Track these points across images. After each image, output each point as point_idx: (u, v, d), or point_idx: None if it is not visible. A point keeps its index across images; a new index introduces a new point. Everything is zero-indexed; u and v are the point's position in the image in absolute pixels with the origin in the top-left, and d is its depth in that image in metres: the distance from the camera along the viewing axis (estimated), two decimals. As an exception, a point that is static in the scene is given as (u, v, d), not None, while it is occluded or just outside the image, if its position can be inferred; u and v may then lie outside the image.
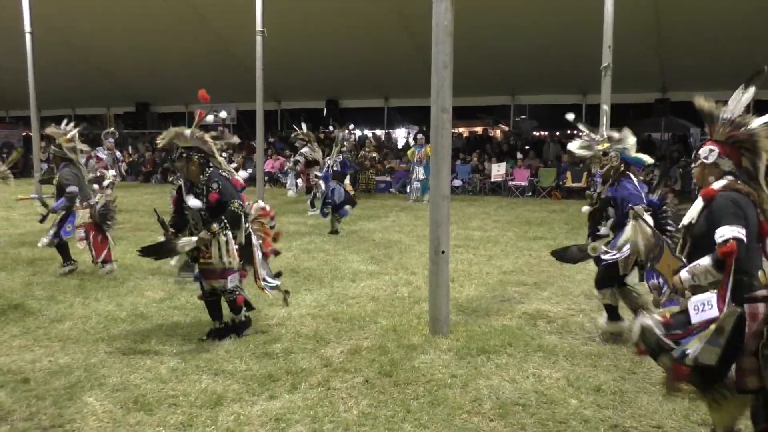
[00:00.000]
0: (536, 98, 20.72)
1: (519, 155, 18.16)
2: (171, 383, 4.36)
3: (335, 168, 11.04)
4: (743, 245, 2.98)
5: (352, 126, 12.20)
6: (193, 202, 4.98)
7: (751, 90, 3.16)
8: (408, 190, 16.31)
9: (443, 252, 5.40)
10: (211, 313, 5.39)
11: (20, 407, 4.00)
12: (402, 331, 5.45)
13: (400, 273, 7.70)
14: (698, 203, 3.23)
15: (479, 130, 25.35)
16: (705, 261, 3.06)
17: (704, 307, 3.06)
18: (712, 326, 2.97)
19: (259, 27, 13.65)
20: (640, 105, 19.74)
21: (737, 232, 2.98)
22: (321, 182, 11.07)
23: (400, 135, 27.23)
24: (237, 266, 5.18)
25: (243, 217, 5.07)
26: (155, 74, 21.06)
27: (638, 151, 5.36)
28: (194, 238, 4.98)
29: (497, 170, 17.62)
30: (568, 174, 16.64)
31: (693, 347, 3.01)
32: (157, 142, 5.44)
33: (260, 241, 5.42)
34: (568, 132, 19.73)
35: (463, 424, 3.77)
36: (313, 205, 13.00)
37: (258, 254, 5.33)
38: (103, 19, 18.22)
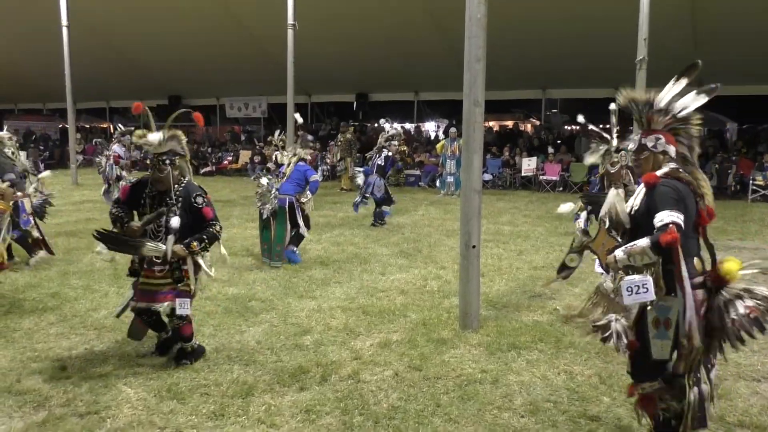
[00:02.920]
0: (568, 92, 20.49)
1: (550, 150, 17.97)
2: (203, 373, 4.42)
3: (379, 162, 10.97)
4: (680, 229, 2.96)
5: (395, 126, 12.12)
6: (174, 220, 4.40)
7: (683, 82, 3.21)
8: (438, 183, 16.26)
9: (474, 246, 5.37)
10: (152, 328, 4.80)
11: (57, 393, 4.09)
12: (432, 325, 5.44)
13: (430, 267, 7.69)
14: (640, 190, 3.20)
15: (510, 124, 25.14)
16: (643, 242, 3.03)
17: (639, 289, 3.04)
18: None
19: (290, 21, 13.71)
20: (675, 99, 19.37)
21: (676, 217, 2.97)
22: (360, 176, 11.04)
23: (430, 129, 27.15)
24: (193, 292, 4.63)
25: (220, 240, 4.66)
26: (187, 68, 21.28)
27: None
28: (164, 247, 4.36)
29: (528, 165, 17.45)
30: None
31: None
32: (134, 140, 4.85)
33: None
34: (600, 126, 19.45)
35: (493, 420, 3.75)
36: None
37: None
38: (138, 13, 18.46)
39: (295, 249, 7.99)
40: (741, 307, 2.98)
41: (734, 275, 3.04)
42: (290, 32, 13.77)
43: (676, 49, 14.76)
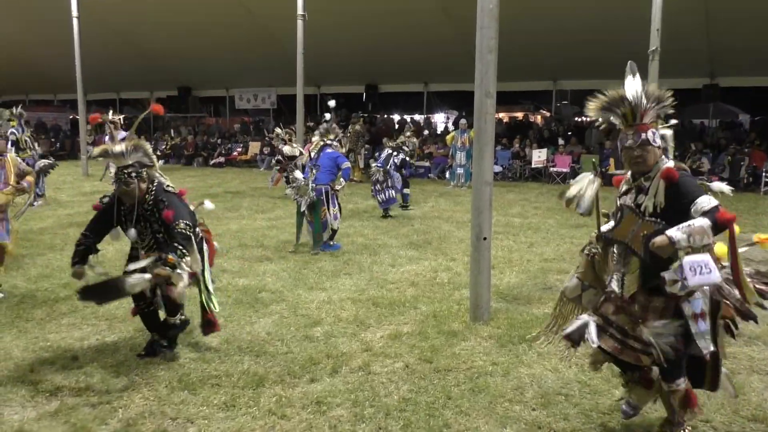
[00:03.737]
0: (578, 83, 20.29)
1: (561, 141, 17.87)
2: (214, 364, 4.43)
3: (395, 161, 11.16)
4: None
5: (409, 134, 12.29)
6: (132, 232, 4.33)
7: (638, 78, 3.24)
8: (447, 175, 16.23)
9: (485, 238, 5.35)
10: (147, 324, 4.69)
11: (69, 383, 4.11)
12: (442, 317, 5.43)
13: (440, 259, 7.67)
14: (659, 185, 3.11)
15: (520, 115, 25.03)
16: (702, 222, 2.90)
17: (702, 269, 2.90)
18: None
19: (300, 11, 13.68)
20: (686, 91, 19.22)
21: (717, 202, 2.98)
22: (380, 170, 11.07)
23: (439, 120, 27.06)
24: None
25: (194, 237, 4.25)
26: (197, 59, 21.27)
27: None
28: (147, 276, 4.02)
29: (538, 156, 17.37)
30: (611, 161, 16.30)
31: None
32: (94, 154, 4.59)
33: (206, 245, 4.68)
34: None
35: (504, 413, 3.74)
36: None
37: (207, 268, 4.63)
38: (148, 4, 18.46)
39: (331, 242, 8.24)
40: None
41: (722, 259, 3.09)
42: (300, 23, 13.75)
43: (689, 40, 14.63)
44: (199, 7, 18.04)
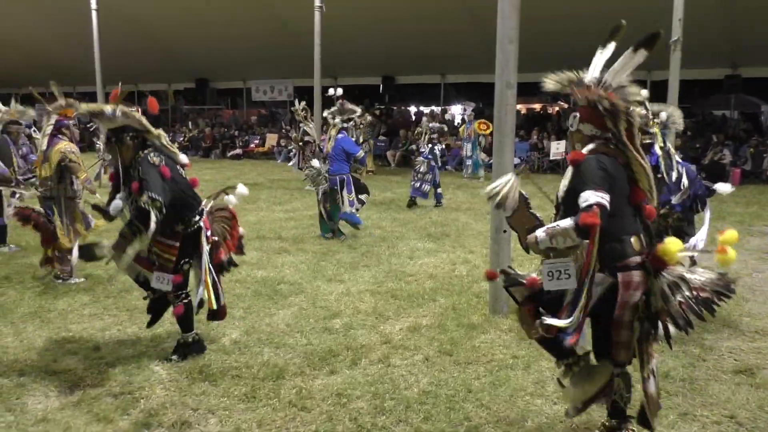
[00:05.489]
0: (598, 74, 20.09)
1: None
2: (234, 355, 4.44)
3: (436, 152, 11.34)
4: (605, 211, 2.77)
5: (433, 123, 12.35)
6: (114, 204, 4.23)
7: (611, 47, 3.02)
8: (463, 167, 16.25)
9: (505, 231, 5.30)
10: (152, 308, 4.54)
11: (91, 374, 4.15)
12: (461, 310, 5.40)
13: (458, 251, 7.63)
14: (569, 170, 3.01)
15: (537, 107, 24.81)
16: (566, 222, 2.82)
17: (560, 274, 2.89)
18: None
19: (317, 2, 13.64)
20: (708, 81, 18.94)
21: (600, 197, 2.76)
22: (425, 162, 11.17)
23: (456, 111, 26.90)
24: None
25: (152, 214, 3.95)
26: (214, 51, 21.32)
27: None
28: (107, 243, 4.06)
29: (556, 148, 17.14)
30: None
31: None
32: (81, 108, 4.42)
33: (210, 246, 4.43)
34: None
35: (525, 406, 3.71)
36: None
37: (204, 260, 4.37)
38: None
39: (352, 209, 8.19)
40: (686, 290, 2.82)
41: (672, 256, 2.85)
42: (317, 14, 13.72)
43: (711, 29, 14.39)
44: (217, -1, 18.09)
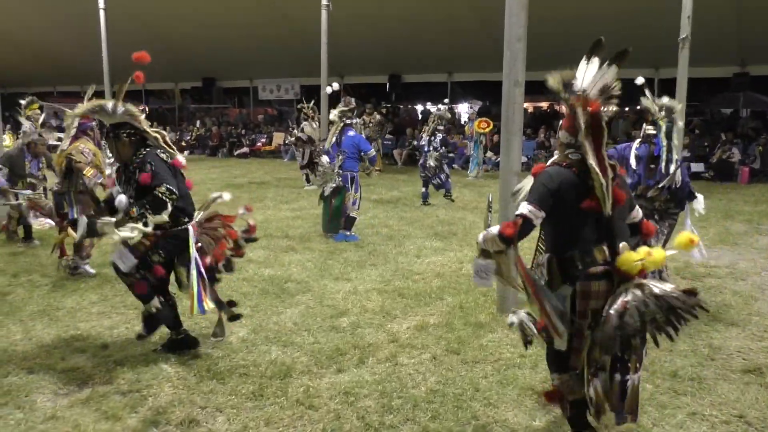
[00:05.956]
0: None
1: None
2: (241, 353, 4.45)
3: (436, 143, 11.28)
4: (529, 224, 2.90)
5: (446, 102, 12.30)
6: (120, 199, 4.18)
7: (596, 62, 3.04)
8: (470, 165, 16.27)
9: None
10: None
11: (100, 372, 4.17)
12: (469, 309, 5.40)
13: (465, 250, 7.62)
14: (529, 179, 3.17)
15: (545, 105, 24.73)
16: (495, 229, 2.97)
17: (484, 274, 3.07)
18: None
19: (324, 1, 13.63)
20: (716, 79, 18.82)
21: (528, 210, 2.89)
22: (434, 156, 11.18)
23: (463, 110, 26.85)
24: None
25: (168, 205, 4.12)
26: (221, 50, 21.34)
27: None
28: (113, 220, 4.10)
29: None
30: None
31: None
32: (75, 111, 4.45)
33: (200, 252, 4.35)
34: (638, 108, 19.01)
35: (533, 405, 3.71)
36: (308, 180, 13.42)
37: (193, 267, 4.27)
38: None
39: (348, 233, 8.26)
40: (654, 306, 2.77)
41: (630, 266, 2.85)
42: (324, 13, 13.70)
43: (719, 27, 14.30)
44: (223, -2, 18.11)
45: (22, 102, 8.07)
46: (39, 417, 3.59)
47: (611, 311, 2.82)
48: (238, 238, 4.60)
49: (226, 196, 4.62)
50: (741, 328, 4.98)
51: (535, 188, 2.98)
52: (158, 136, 4.38)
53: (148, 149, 4.28)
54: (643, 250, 2.90)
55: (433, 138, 11.27)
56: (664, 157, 5.12)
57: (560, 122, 3.16)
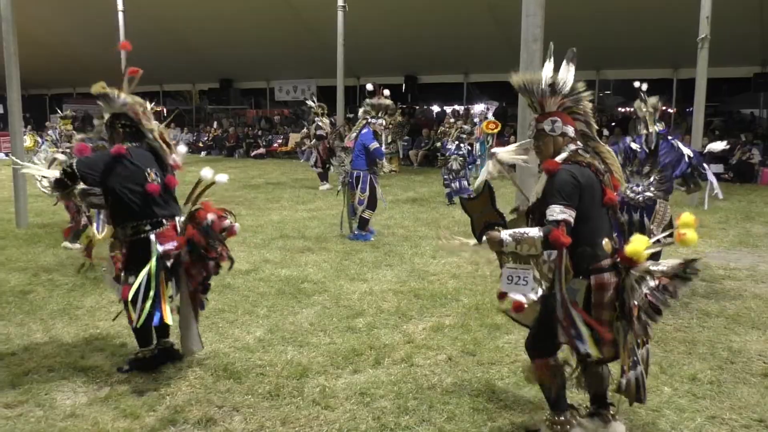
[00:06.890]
0: (622, 73, 19.83)
1: (605, 132, 17.51)
2: (258, 353, 4.48)
3: (464, 150, 11.48)
4: (570, 228, 2.90)
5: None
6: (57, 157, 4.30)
7: (572, 67, 3.13)
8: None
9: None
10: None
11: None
12: (485, 310, 5.38)
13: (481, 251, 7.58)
14: (543, 178, 3.10)
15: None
16: (535, 233, 2.92)
17: (519, 280, 3.05)
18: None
19: (340, 2, 13.68)
20: (736, 80, 18.62)
21: (568, 215, 2.90)
22: (458, 159, 11.29)
23: (479, 111, 26.79)
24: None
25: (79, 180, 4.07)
26: (238, 51, 21.47)
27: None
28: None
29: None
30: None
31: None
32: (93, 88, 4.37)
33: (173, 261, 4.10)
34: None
35: (550, 408, 3.68)
36: (324, 179, 13.42)
37: (144, 273, 3.98)
38: (190, -2, 18.72)
39: (361, 232, 8.27)
40: (651, 280, 2.91)
41: (640, 255, 2.93)
42: (340, 14, 13.76)
43: (739, 27, 14.15)
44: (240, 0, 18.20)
45: (59, 113, 8.05)
46: (59, 415, 3.64)
47: (636, 302, 2.92)
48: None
49: (220, 177, 4.40)
50: (761, 331, 4.92)
51: (563, 188, 2.95)
52: (154, 128, 4.26)
53: (139, 143, 4.18)
54: (642, 238, 2.98)
55: (459, 143, 11.46)
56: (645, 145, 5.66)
57: (553, 121, 3.14)
